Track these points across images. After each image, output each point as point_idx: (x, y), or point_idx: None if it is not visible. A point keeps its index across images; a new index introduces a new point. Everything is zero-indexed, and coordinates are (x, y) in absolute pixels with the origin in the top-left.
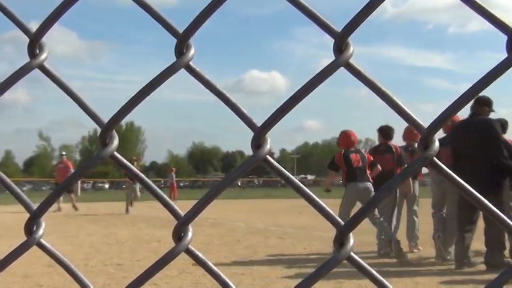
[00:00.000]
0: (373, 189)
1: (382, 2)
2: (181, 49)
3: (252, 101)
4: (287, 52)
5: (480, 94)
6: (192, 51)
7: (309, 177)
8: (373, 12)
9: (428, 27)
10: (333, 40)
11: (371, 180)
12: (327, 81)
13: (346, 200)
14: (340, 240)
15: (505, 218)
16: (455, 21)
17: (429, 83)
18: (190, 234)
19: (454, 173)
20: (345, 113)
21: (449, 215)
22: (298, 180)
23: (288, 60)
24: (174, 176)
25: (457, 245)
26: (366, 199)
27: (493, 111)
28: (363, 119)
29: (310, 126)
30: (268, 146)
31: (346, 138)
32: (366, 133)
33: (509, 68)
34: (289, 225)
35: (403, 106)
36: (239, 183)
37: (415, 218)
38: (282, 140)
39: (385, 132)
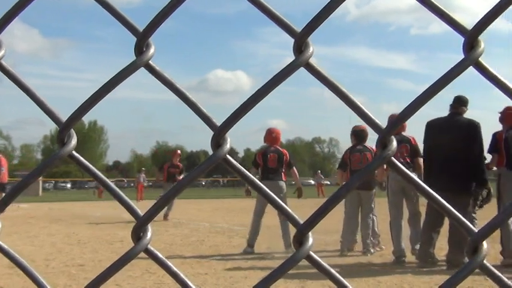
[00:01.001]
0: (284, 187)
1: (341, 3)
2: (140, 47)
3: (217, 101)
4: (251, 52)
5: (460, 94)
6: (152, 50)
7: None
8: (337, 13)
9: (391, 29)
10: (293, 40)
11: (283, 179)
12: (291, 81)
13: (259, 197)
14: (300, 240)
15: (462, 218)
16: (417, 23)
17: (392, 84)
18: (149, 234)
19: (427, 171)
20: (309, 113)
21: (412, 215)
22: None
23: (253, 60)
24: (143, 177)
25: (425, 244)
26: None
27: (467, 109)
28: (328, 119)
29: (275, 126)
30: (228, 146)
31: (268, 135)
32: (331, 133)
33: (466, 69)
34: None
35: (361, 106)
36: (203, 183)
37: (372, 217)
38: (246, 140)
39: (359, 136)
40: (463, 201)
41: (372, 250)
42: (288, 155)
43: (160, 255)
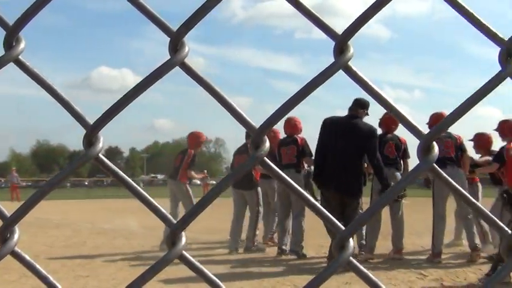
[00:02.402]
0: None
1: (217, 3)
2: (10, 42)
3: (101, 99)
4: (138, 49)
5: (359, 97)
6: (22, 45)
7: (159, 176)
8: (224, 15)
9: (277, 32)
10: (169, 39)
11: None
12: (179, 79)
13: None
14: (173, 239)
15: (330, 216)
16: (301, 27)
17: (277, 85)
18: (16, 235)
19: (319, 168)
20: (196, 113)
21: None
22: (149, 180)
23: (139, 58)
24: (16, 176)
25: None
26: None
27: (367, 114)
28: (214, 119)
29: (161, 125)
30: (100, 144)
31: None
32: (216, 132)
33: (336, 73)
34: (138, 225)
35: (237, 108)
36: (86, 183)
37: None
38: (131, 139)
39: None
40: (354, 202)
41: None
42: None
43: (27, 257)
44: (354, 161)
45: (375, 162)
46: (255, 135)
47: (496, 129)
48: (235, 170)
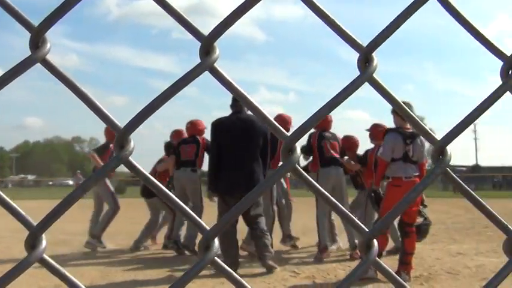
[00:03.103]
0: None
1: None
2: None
3: None
4: (5, 44)
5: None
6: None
7: (30, 177)
8: (99, 12)
9: (153, 31)
10: (30, 35)
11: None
12: (50, 77)
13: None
14: (32, 243)
15: (191, 214)
16: (178, 27)
17: (153, 84)
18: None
19: (214, 172)
20: (69, 111)
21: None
22: (18, 180)
23: (8, 52)
24: None
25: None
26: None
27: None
28: (89, 118)
29: (31, 123)
30: None
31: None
32: (91, 132)
33: (200, 72)
34: (5, 228)
35: (100, 106)
36: None
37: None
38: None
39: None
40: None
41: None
42: None
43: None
44: (254, 157)
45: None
46: (119, 135)
47: (368, 130)
48: (97, 171)
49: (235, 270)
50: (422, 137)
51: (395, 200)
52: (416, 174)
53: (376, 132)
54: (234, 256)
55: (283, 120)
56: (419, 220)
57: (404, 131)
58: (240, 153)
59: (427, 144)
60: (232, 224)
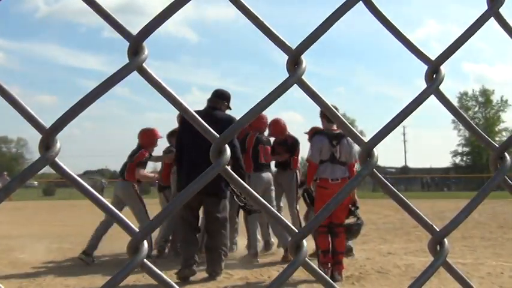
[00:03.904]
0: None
1: None
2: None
3: None
4: None
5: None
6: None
7: None
8: (26, 9)
9: (81, 30)
10: None
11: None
12: None
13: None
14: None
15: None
16: (108, 27)
17: (84, 83)
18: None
19: (179, 169)
20: None
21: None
22: None
23: None
24: None
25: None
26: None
27: (230, 108)
28: (14, 117)
29: None
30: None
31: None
32: (19, 132)
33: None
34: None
35: (19, 100)
36: None
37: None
38: None
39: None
40: (219, 205)
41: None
42: None
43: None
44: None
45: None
46: (44, 136)
47: (307, 133)
48: (22, 172)
49: (188, 271)
50: (349, 138)
51: (323, 201)
52: (346, 175)
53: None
54: (189, 255)
55: (262, 121)
56: (352, 220)
57: (330, 132)
58: (198, 150)
59: (356, 145)
60: (190, 223)
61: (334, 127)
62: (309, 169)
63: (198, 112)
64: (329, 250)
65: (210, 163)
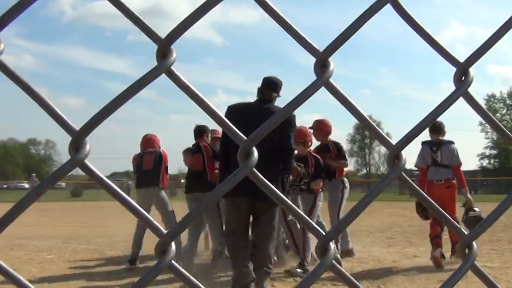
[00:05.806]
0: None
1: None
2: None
3: None
4: None
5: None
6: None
7: None
8: (54, 12)
9: (107, 33)
10: None
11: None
12: (3, 78)
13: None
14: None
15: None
16: (135, 29)
17: (109, 86)
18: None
19: (225, 168)
20: (24, 112)
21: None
22: None
23: None
24: None
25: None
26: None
27: (279, 96)
28: (43, 120)
29: None
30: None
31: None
32: (47, 134)
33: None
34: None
35: (50, 103)
36: None
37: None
38: None
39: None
40: (270, 210)
41: None
42: None
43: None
44: (270, 156)
45: (285, 156)
46: (75, 138)
47: (312, 127)
48: (52, 174)
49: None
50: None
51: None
52: (449, 176)
53: (322, 127)
54: (241, 271)
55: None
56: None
57: (431, 141)
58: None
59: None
60: (242, 236)
61: (438, 137)
62: (419, 175)
63: (249, 105)
64: (439, 236)
65: (273, 160)
